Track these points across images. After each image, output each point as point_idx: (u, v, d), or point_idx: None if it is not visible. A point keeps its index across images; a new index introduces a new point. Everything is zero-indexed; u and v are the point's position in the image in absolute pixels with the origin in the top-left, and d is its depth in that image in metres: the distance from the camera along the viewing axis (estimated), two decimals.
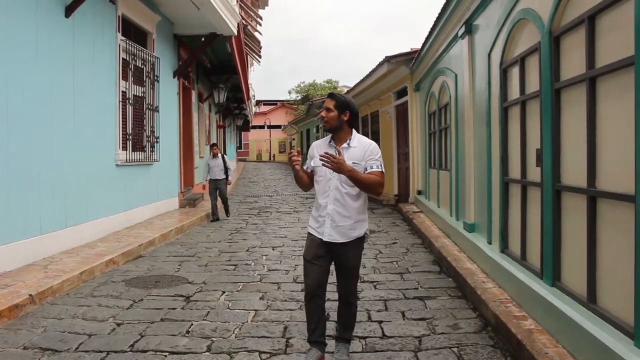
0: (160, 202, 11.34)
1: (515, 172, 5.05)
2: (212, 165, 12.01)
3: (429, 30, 8.91)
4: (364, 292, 5.65)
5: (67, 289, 5.80)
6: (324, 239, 3.60)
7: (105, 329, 4.57)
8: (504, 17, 5.18)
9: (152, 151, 10.61)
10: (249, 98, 26.96)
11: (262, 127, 57.33)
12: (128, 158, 9.43)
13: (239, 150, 52.63)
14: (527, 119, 4.71)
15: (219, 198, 12.13)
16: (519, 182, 4.89)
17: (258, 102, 53.70)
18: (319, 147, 3.75)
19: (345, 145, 3.61)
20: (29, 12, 6.38)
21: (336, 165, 3.35)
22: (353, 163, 3.49)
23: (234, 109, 29.45)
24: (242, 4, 17.06)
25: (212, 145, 12.39)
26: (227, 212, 12.42)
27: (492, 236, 5.82)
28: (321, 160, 3.38)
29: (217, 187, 11.97)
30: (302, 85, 53.71)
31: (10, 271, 6.05)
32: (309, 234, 3.78)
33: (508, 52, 5.19)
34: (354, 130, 3.71)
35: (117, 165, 9.05)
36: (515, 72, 4.96)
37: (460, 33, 7.15)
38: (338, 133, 3.66)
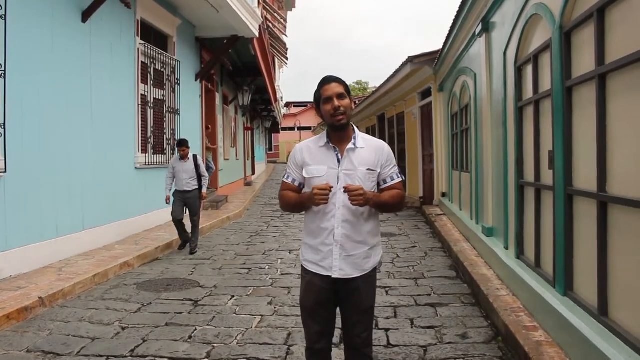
0: None
1: (529, 174, 4.84)
2: (178, 170, 8.16)
3: (449, 28, 8.70)
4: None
5: (79, 291, 5.82)
6: (333, 276, 2.68)
7: (109, 333, 4.55)
8: (517, 13, 4.98)
9: (172, 154, 10.64)
10: (276, 100, 27.01)
11: (292, 128, 57.43)
12: (147, 161, 9.48)
13: (269, 152, 52.89)
14: (540, 119, 4.50)
15: (183, 218, 8.24)
16: (533, 185, 4.68)
17: (288, 104, 53.96)
18: (310, 150, 2.78)
19: (350, 145, 2.69)
20: (44, 17, 6.45)
21: (363, 198, 2.53)
22: (367, 169, 2.66)
23: (262, 111, 29.53)
24: (266, 6, 17.08)
25: (180, 143, 8.25)
26: (194, 241, 8.23)
27: (508, 241, 5.61)
28: (351, 199, 2.51)
29: (185, 203, 8.17)
30: None
31: (26, 273, 6.11)
32: (305, 271, 2.81)
33: (522, 50, 4.98)
34: (353, 124, 2.79)
35: (136, 168, 9.10)
36: (529, 70, 4.76)
37: (477, 31, 6.94)
38: (344, 130, 2.72)
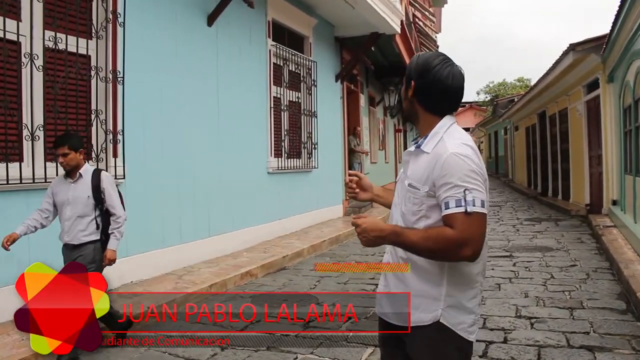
0: (320, 210, 11.02)
1: None
2: (60, 200, 3.99)
3: (619, 2, 7.22)
4: (515, 333, 4.53)
5: (193, 301, 5.62)
6: (376, 309, 2.11)
7: (205, 354, 4.28)
8: None
9: (309, 158, 10.35)
10: None
11: None
12: (281, 165, 9.25)
13: None
14: None
15: None
16: None
17: None
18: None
19: (413, 147, 1.99)
20: (167, 22, 6.46)
21: (365, 238, 1.87)
22: (409, 186, 1.91)
23: None
24: (413, 2, 16.31)
25: (58, 140, 3.98)
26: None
27: None
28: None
29: None
30: (490, 85, 50.79)
31: (146, 280, 6.10)
32: None
33: None
34: (445, 119, 1.93)
35: (269, 173, 8.91)
36: None
37: None
38: (417, 123, 2.02)
